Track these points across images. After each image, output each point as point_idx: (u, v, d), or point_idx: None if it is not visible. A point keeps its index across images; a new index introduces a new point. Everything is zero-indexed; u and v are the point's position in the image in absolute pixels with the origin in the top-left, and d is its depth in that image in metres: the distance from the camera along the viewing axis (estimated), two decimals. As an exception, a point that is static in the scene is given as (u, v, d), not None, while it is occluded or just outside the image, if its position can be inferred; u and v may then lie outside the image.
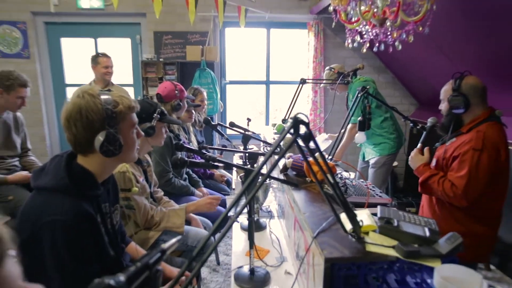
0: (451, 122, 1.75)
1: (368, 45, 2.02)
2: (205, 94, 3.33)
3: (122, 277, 0.56)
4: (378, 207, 1.09)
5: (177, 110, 2.47)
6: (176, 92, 2.44)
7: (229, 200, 2.79)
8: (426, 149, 1.84)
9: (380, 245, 0.93)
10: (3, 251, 0.41)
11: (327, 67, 3.15)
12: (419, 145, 1.92)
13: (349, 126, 2.87)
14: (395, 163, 3.48)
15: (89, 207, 1.09)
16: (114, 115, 1.11)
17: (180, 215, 1.85)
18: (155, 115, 1.72)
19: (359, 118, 2.19)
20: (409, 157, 1.87)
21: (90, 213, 1.09)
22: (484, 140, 1.59)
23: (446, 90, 1.77)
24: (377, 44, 1.98)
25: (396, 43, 1.88)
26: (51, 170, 1.10)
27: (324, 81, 3.33)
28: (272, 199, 2.15)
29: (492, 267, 2.76)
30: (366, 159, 3.11)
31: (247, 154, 1.74)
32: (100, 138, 1.08)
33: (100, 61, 3.26)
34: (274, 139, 2.89)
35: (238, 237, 1.75)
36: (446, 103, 1.75)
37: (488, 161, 1.58)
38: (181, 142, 2.32)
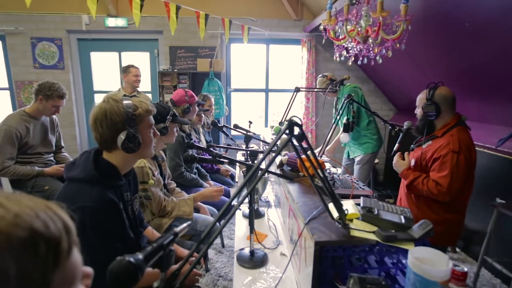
0: (424, 126, 1.74)
1: (353, 58, 2.02)
2: (213, 100, 3.32)
3: (140, 256, 0.56)
4: (361, 198, 1.09)
5: (187, 113, 2.46)
6: (186, 97, 2.43)
7: (232, 191, 2.79)
8: (406, 154, 1.82)
9: (363, 230, 0.93)
10: (72, 242, 0.38)
11: (320, 75, 3.13)
12: (396, 145, 1.91)
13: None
14: (376, 160, 3.47)
15: (113, 195, 1.10)
16: (134, 117, 1.11)
17: (189, 204, 1.84)
18: (168, 117, 1.71)
19: (344, 121, 2.18)
20: (393, 163, 1.84)
21: (114, 201, 1.09)
22: (460, 143, 1.58)
23: (421, 98, 1.76)
24: (361, 58, 1.98)
25: (377, 57, 1.88)
26: (81, 163, 1.10)
27: (315, 89, 3.32)
28: (270, 191, 2.14)
29: (457, 249, 2.76)
30: (351, 157, 3.10)
31: (248, 152, 1.73)
32: (122, 137, 1.09)
33: (131, 71, 3.27)
34: (272, 139, 2.89)
35: (240, 223, 1.75)
36: (421, 109, 1.74)
37: (465, 161, 1.58)
38: (192, 141, 2.33)
